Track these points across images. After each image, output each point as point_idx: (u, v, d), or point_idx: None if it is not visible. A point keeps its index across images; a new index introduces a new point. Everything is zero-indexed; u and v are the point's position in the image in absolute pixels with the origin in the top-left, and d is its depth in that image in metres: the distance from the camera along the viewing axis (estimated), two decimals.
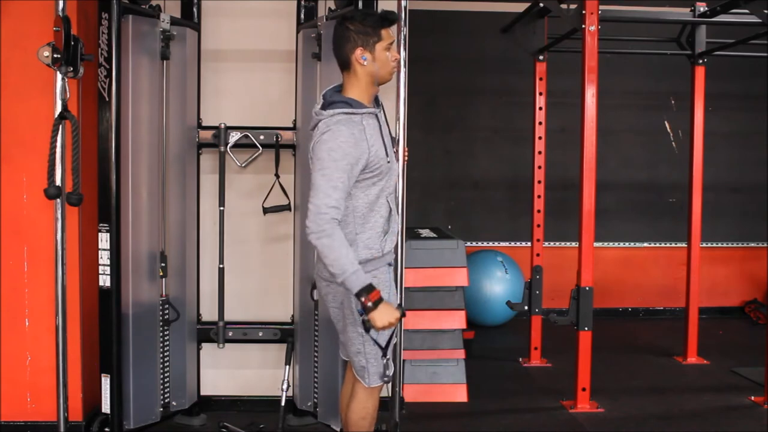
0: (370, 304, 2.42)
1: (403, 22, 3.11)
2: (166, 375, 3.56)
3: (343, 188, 2.43)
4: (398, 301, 2.84)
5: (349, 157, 2.44)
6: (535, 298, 4.57)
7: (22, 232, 3.40)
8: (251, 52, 3.76)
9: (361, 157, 2.47)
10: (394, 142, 2.97)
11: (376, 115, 2.62)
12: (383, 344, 2.65)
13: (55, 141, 2.74)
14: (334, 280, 2.51)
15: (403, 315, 2.55)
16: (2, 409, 3.43)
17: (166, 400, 3.56)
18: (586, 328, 3.90)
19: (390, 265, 2.70)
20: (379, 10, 3.09)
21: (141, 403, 3.41)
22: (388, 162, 2.60)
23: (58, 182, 2.76)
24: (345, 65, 2.59)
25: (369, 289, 2.42)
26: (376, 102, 2.66)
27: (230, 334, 3.72)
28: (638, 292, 6.33)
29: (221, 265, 3.69)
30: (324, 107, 2.56)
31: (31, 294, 3.41)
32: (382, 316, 2.44)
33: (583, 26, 3.84)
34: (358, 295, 2.43)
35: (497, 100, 6.17)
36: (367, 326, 2.49)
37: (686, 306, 4.89)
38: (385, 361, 2.67)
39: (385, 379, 2.69)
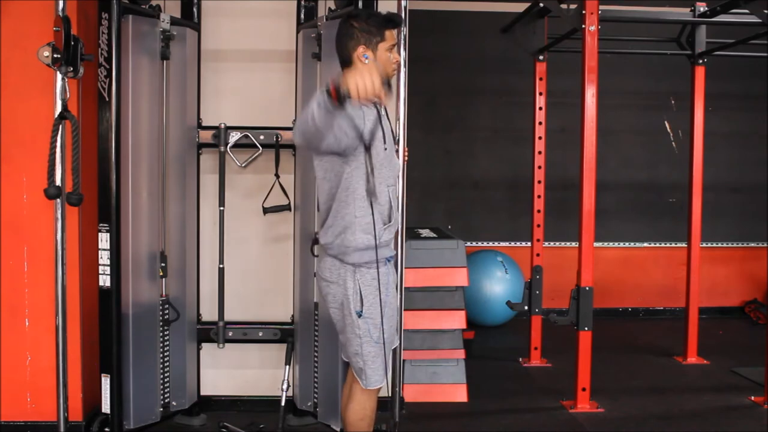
0: (336, 86, 2.14)
1: (403, 22, 3.12)
2: (166, 375, 3.56)
3: (324, 103, 2.23)
4: (399, 302, 2.84)
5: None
6: (535, 298, 4.57)
7: (22, 232, 3.40)
8: (251, 52, 3.76)
9: (356, 116, 2.44)
10: (395, 140, 2.97)
11: (376, 108, 2.63)
12: (381, 340, 2.63)
13: (55, 141, 2.74)
14: (341, 263, 2.52)
15: (388, 87, 2.29)
16: (2, 409, 3.43)
17: (166, 400, 3.57)
18: (586, 328, 3.90)
19: (390, 261, 2.70)
20: (380, 9, 3.11)
21: (141, 403, 3.41)
22: (386, 149, 2.60)
23: (58, 182, 2.76)
24: (346, 62, 2.60)
25: (325, 92, 2.18)
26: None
27: (230, 334, 3.73)
28: (638, 292, 6.33)
29: (221, 265, 3.69)
30: None
31: (31, 294, 3.41)
32: (352, 77, 2.12)
33: (583, 26, 3.84)
34: (329, 94, 2.16)
35: (497, 100, 6.18)
36: (342, 93, 2.13)
37: (686, 306, 4.89)
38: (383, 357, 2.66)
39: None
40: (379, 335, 2.63)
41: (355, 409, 2.72)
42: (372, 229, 2.58)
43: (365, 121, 2.49)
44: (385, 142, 2.61)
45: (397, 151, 2.99)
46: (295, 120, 3.71)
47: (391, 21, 2.61)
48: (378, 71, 2.15)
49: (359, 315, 2.59)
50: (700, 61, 4.80)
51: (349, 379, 2.83)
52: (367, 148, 2.51)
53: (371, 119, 2.55)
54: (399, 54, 2.95)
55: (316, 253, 3.40)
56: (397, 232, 2.74)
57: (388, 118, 2.71)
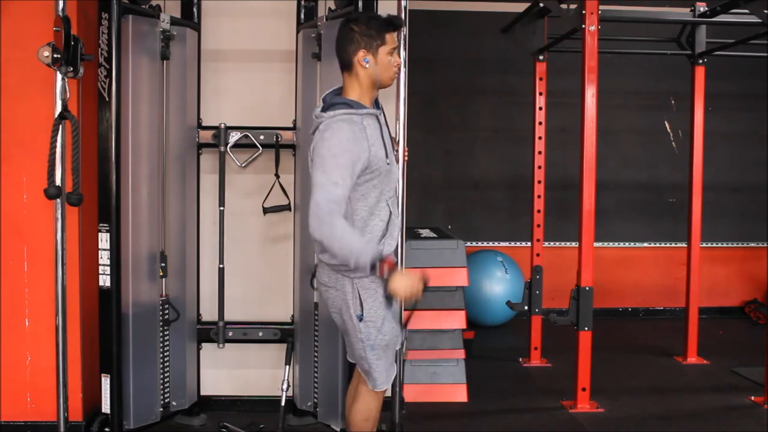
0: (385, 276, 2.39)
1: (403, 24, 3.11)
2: (166, 375, 3.56)
3: (344, 185, 2.40)
4: (399, 306, 2.83)
5: (350, 154, 2.43)
6: (535, 298, 4.57)
7: (22, 232, 3.39)
8: (251, 52, 3.76)
9: (362, 155, 2.46)
10: (394, 142, 2.97)
11: (377, 117, 2.62)
12: (383, 343, 2.64)
13: (55, 141, 2.74)
14: (339, 273, 2.53)
15: (426, 283, 2.49)
16: (2, 409, 3.43)
17: (166, 400, 3.56)
18: (586, 328, 3.90)
19: None
20: (380, 10, 3.10)
21: (141, 403, 3.41)
22: (388, 164, 2.59)
23: (58, 182, 2.76)
24: (346, 66, 2.59)
25: (380, 260, 2.38)
26: (376, 104, 2.66)
27: (230, 334, 3.72)
28: (638, 292, 6.33)
29: (221, 265, 3.69)
30: (324, 110, 2.56)
31: (31, 294, 3.41)
32: (402, 283, 2.42)
33: (583, 26, 3.84)
34: (372, 269, 2.37)
35: (497, 100, 6.17)
36: (391, 301, 2.45)
37: (686, 306, 4.89)
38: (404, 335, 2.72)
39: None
40: (381, 337, 2.62)
41: (360, 410, 2.73)
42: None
43: (369, 148, 2.49)
44: (387, 156, 2.60)
45: (397, 152, 2.99)
46: (295, 119, 3.71)
47: (392, 24, 2.60)
48: (417, 283, 2.45)
49: (360, 319, 2.59)
50: (700, 61, 4.80)
51: (355, 379, 2.83)
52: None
53: (376, 137, 2.54)
54: (399, 56, 2.94)
55: (315, 287, 3.41)
56: (398, 236, 2.73)
57: (387, 124, 2.71)
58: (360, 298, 2.57)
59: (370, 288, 2.58)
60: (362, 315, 2.58)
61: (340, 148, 2.42)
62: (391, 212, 2.63)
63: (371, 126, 2.55)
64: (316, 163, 2.45)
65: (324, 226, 2.36)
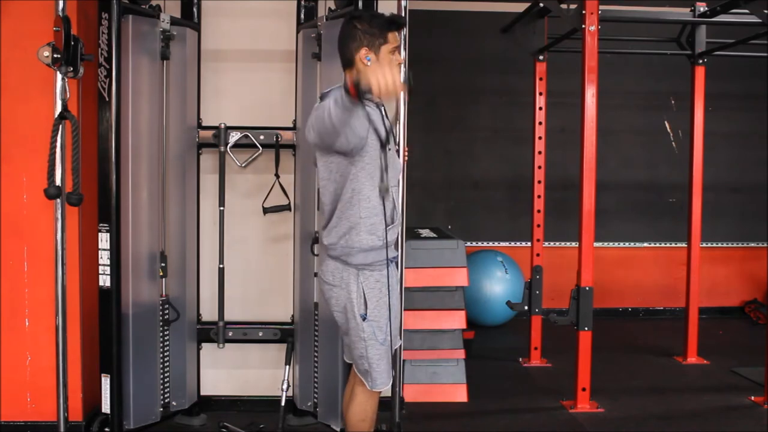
0: (356, 85, 2.16)
1: (405, 24, 3.11)
2: (166, 375, 3.56)
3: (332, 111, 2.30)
4: (402, 304, 2.84)
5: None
6: (535, 298, 4.57)
7: (22, 232, 3.40)
8: (251, 52, 3.76)
9: (370, 113, 2.48)
10: (395, 140, 2.97)
11: (378, 106, 2.63)
12: (386, 342, 2.64)
13: (55, 141, 2.74)
14: (345, 266, 2.55)
15: (410, 81, 2.34)
16: (2, 409, 3.43)
17: (166, 400, 3.56)
18: (586, 328, 3.90)
19: (393, 261, 2.69)
20: (379, 10, 3.10)
21: (141, 403, 3.41)
22: (389, 149, 2.61)
23: (58, 182, 2.76)
24: (348, 63, 2.60)
25: (344, 89, 2.22)
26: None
27: (230, 334, 3.72)
28: (638, 292, 6.33)
29: (221, 265, 3.69)
30: (323, 101, 2.58)
31: (31, 294, 3.41)
32: (373, 72, 2.13)
33: (583, 26, 3.84)
34: (347, 91, 2.19)
35: (497, 100, 6.17)
36: (363, 89, 2.15)
37: (686, 306, 4.89)
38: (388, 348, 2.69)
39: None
40: (384, 338, 2.62)
41: (356, 411, 2.72)
42: (377, 229, 2.58)
43: (369, 119, 2.49)
44: (389, 142, 2.61)
45: (398, 151, 2.99)
46: (295, 119, 3.71)
47: (394, 23, 2.61)
48: (392, 69, 2.17)
49: (364, 318, 2.59)
50: (700, 61, 4.80)
51: (351, 380, 2.83)
52: (383, 145, 2.51)
53: (376, 117, 2.55)
54: (400, 55, 2.95)
55: (316, 252, 3.41)
56: (398, 226, 2.74)
57: (388, 118, 2.71)
58: (365, 297, 2.58)
59: (375, 287, 2.60)
60: (366, 314, 2.58)
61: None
62: (394, 200, 2.65)
63: (372, 109, 2.56)
64: (311, 115, 2.46)
65: (312, 122, 2.37)
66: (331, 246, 2.64)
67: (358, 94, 2.15)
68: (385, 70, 2.11)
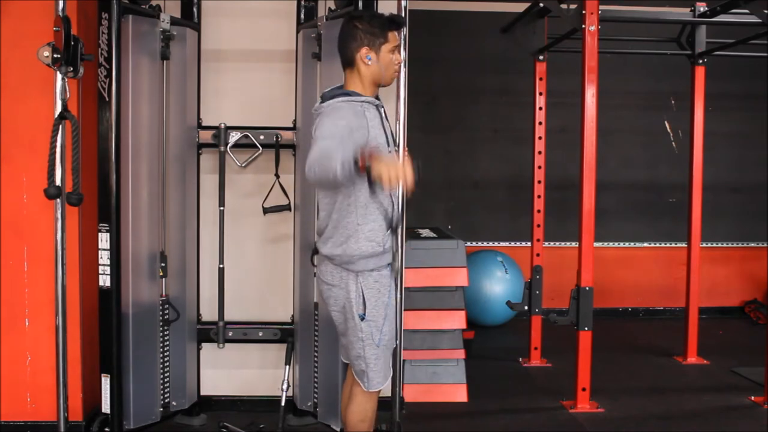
0: (367, 163, 2.27)
1: (405, 23, 3.11)
2: (166, 375, 3.56)
3: (339, 142, 2.34)
4: (400, 305, 2.84)
5: (347, 122, 2.45)
6: (535, 298, 4.57)
7: (22, 232, 3.40)
8: (251, 52, 3.76)
9: (362, 129, 2.48)
10: (395, 142, 2.97)
11: (377, 108, 2.63)
12: (382, 342, 2.65)
13: (55, 141, 2.74)
14: (344, 270, 2.55)
15: (419, 174, 2.41)
16: (2, 409, 3.43)
17: (166, 400, 3.56)
18: (586, 328, 3.90)
19: (389, 266, 2.70)
20: (379, 10, 3.11)
21: (141, 403, 3.41)
22: (390, 152, 2.61)
23: (58, 182, 2.76)
24: (348, 63, 2.60)
25: (357, 157, 2.29)
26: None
27: (230, 334, 3.72)
28: (638, 292, 6.33)
29: (221, 265, 3.69)
30: (323, 101, 2.58)
31: (31, 294, 3.41)
32: (385, 168, 2.25)
33: (583, 26, 3.84)
34: (356, 164, 2.27)
35: (497, 100, 6.17)
36: (374, 187, 2.36)
37: (686, 306, 4.89)
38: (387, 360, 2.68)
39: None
40: (380, 338, 2.63)
41: (355, 411, 2.72)
42: (376, 236, 2.57)
43: (369, 129, 2.50)
44: (388, 145, 2.61)
45: (397, 151, 2.99)
46: (295, 119, 3.71)
47: (394, 22, 2.62)
48: (404, 166, 2.30)
49: (362, 318, 2.59)
50: (700, 61, 4.80)
51: (349, 381, 2.83)
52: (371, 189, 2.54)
53: (375, 123, 2.55)
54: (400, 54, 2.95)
55: (315, 263, 3.40)
56: (397, 231, 2.74)
57: (387, 119, 2.71)
58: (363, 297, 2.58)
59: (373, 288, 2.60)
60: (364, 314, 2.59)
61: (339, 117, 2.45)
62: (393, 202, 2.65)
63: (371, 114, 2.56)
64: (316, 135, 2.45)
65: (315, 166, 2.30)
66: (329, 255, 2.63)
67: (367, 174, 2.29)
68: (398, 168, 2.24)
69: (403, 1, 3.15)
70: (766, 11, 3.80)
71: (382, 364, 2.67)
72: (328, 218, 2.61)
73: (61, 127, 2.75)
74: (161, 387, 3.53)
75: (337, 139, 2.35)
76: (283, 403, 3.49)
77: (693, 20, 4.62)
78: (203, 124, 3.71)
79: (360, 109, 2.53)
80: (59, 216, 2.81)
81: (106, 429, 3.19)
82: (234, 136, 3.64)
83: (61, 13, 2.71)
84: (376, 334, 2.61)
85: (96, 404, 3.34)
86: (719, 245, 6.34)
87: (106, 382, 3.18)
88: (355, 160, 2.26)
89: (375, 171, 2.24)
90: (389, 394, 3.21)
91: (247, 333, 3.74)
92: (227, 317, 3.71)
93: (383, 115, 2.66)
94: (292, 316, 3.77)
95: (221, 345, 3.71)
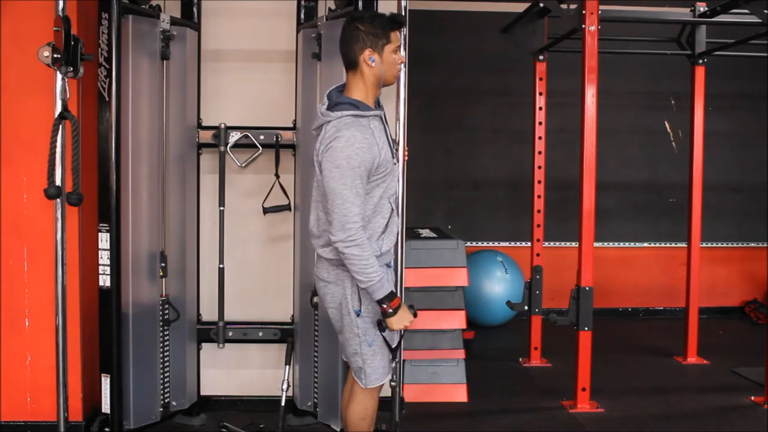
0: (390, 310, 2.52)
1: (405, 23, 3.11)
2: (166, 375, 3.56)
3: (363, 194, 2.49)
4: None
5: (366, 164, 2.47)
6: (535, 298, 4.57)
7: (22, 232, 3.40)
8: (251, 52, 3.76)
9: (375, 161, 2.50)
10: (395, 143, 2.97)
11: (380, 118, 2.63)
12: (393, 345, 2.67)
13: (55, 141, 2.74)
14: (339, 269, 2.56)
15: (414, 316, 2.64)
16: (2, 409, 3.43)
17: (166, 400, 3.57)
18: (586, 328, 3.90)
19: (389, 266, 2.70)
20: (380, 10, 3.10)
21: (141, 403, 3.41)
22: (394, 163, 2.63)
23: (58, 182, 2.76)
24: (352, 65, 2.59)
25: (391, 297, 2.52)
26: (378, 103, 2.67)
27: (230, 334, 3.72)
28: (638, 292, 6.33)
29: (221, 265, 3.69)
30: (330, 108, 2.56)
31: (31, 294, 3.41)
32: (400, 319, 2.56)
33: (583, 26, 3.85)
34: (380, 302, 2.51)
35: (497, 100, 6.17)
36: (383, 327, 2.59)
37: (686, 306, 4.89)
38: (392, 363, 2.73)
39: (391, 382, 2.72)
40: (377, 334, 2.63)
41: (355, 409, 2.72)
42: (372, 242, 2.57)
43: (380, 154, 2.52)
44: (392, 156, 2.63)
45: (397, 151, 2.99)
46: (295, 119, 3.71)
47: (396, 22, 2.61)
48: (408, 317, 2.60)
49: (358, 314, 2.59)
50: (700, 61, 4.80)
51: (350, 379, 2.83)
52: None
53: (380, 135, 2.55)
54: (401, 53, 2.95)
55: (315, 301, 3.43)
56: (397, 233, 2.74)
57: (387, 122, 2.71)
58: (359, 294, 2.59)
59: None
60: (360, 311, 2.59)
61: (358, 159, 2.45)
62: (392, 209, 2.65)
63: (377, 128, 2.57)
64: (334, 174, 2.45)
65: (353, 246, 2.45)
66: (329, 260, 2.64)
67: (382, 312, 2.57)
68: (406, 321, 2.57)
69: (403, 1, 3.15)
70: (766, 11, 3.80)
71: (380, 361, 2.67)
72: (327, 228, 2.59)
73: (61, 127, 2.75)
74: (161, 387, 3.53)
75: (361, 195, 2.48)
76: (283, 403, 3.49)
77: (693, 20, 4.62)
78: (203, 124, 3.72)
79: (368, 129, 2.53)
80: (59, 216, 2.81)
81: (106, 429, 3.19)
82: (234, 136, 3.64)
83: (61, 13, 2.71)
84: (371, 330, 2.61)
85: (96, 404, 3.34)
86: (719, 245, 6.33)
87: (106, 382, 3.17)
88: (385, 297, 2.51)
89: (391, 321, 2.54)
90: (389, 394, 3.22)
91: (247, 333, 3.74)
92: (227, 317, 3.71)
93: (386, 124, 2.66)
94: (292, 316, 3.77)
95: (221, 345, 3.72)
